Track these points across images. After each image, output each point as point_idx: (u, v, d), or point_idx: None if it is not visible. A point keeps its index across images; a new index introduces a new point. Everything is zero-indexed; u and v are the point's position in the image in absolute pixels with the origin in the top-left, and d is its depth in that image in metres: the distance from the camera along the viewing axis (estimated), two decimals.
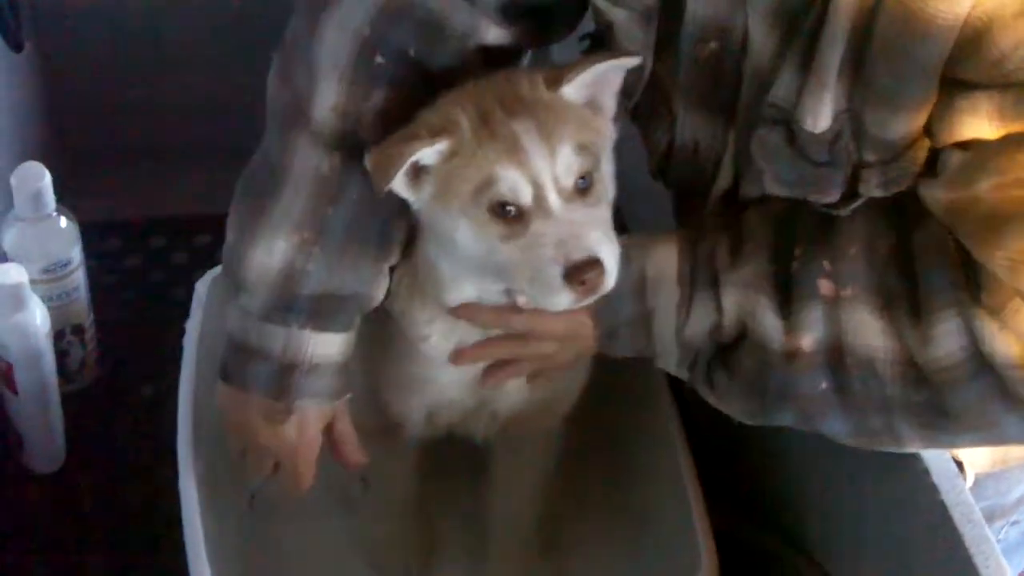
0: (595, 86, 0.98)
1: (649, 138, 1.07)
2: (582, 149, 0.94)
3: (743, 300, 0.96)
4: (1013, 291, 0.85)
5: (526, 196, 0.93)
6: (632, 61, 0.97)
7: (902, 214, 0.93)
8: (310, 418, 1.05)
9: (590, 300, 0.95)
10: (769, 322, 0.95)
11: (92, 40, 1.71)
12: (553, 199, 0.93)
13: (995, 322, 0.87)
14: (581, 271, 0.92)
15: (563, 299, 0.93)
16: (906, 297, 0.91)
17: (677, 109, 1.03)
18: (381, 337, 1.09)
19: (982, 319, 0.88)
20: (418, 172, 0.96)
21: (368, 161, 0.95)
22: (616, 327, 1.02)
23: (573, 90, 0.97)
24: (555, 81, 0.96)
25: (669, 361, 1.02)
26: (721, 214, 1.05)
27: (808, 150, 0.93)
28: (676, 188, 1.11)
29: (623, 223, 1.67)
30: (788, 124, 0.93)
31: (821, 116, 0.90)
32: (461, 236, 0.96)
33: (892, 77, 0.86)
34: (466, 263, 0.99)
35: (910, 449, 0.97)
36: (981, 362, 0.88)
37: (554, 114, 0.95)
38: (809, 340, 0.94)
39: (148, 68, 1.74)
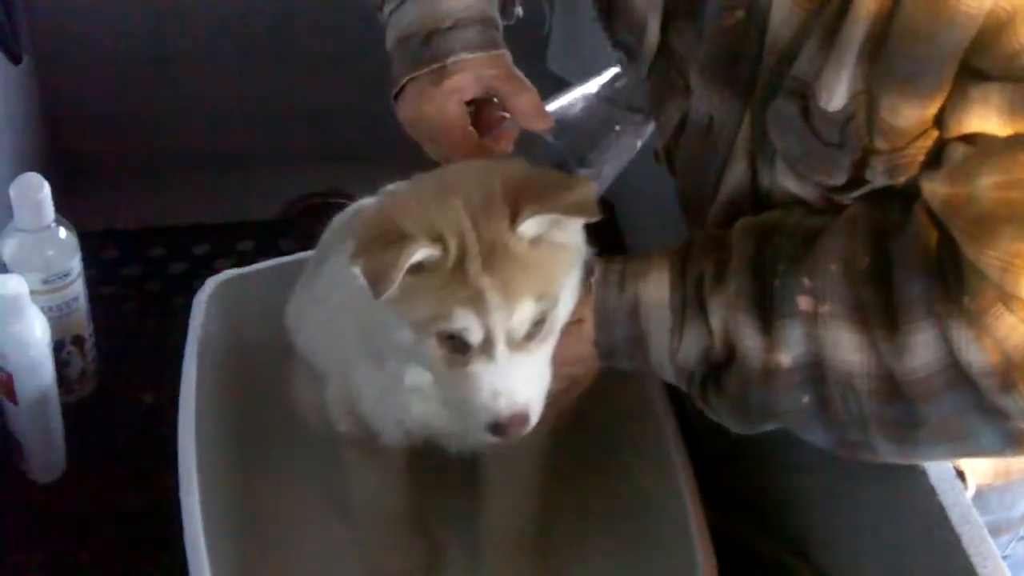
0: (552, 226, 0.96)
1: (662, 113, 1.06)
2: (541, 297, 0.95)
3: (727, 319, 0.97)
4: (997, 295, 0.85)
5: (476, 338, 0.94)
6: (577, 222, 0.97)
7: (881, 233, 0.93)
8: (452, 71, 1.06)
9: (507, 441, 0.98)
10: (749, 339, 0.96)
11: (90, 51, 1.72)
12: (501, 349, 0.95)
13: (972, 329, 0.86)
14: (507, 426, 0.95)
15: (485, 439, 0.98)
16: (882, 311, 0.90)
17: (694, 82, 1.02)
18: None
19: (959, 328, 0.87)
20: None
21: (363, 266, 0.91)
22: (614, 346, 1.02)
23: (529, 228, 0.94)
24: (515, 217, 0.94)
25: (667, 377, 1.03)
26: (721, 221, 1.05)
27: (820, 128, 0.93)
28: (682, 175, 1.11)
29: (618, 229, 1.68)
30: (805, 98, 0.93)
31: (836, 94, 0.90)
32: (400, 338, 0.97)
33: (911, 62, 0.85)
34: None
35: (889, 461, 0.97)
36: (958, 372, 0.88)
37: (521, 268, 0.94)
38: (788, 357, 0.94)
39: (146, 79, 1.75)
